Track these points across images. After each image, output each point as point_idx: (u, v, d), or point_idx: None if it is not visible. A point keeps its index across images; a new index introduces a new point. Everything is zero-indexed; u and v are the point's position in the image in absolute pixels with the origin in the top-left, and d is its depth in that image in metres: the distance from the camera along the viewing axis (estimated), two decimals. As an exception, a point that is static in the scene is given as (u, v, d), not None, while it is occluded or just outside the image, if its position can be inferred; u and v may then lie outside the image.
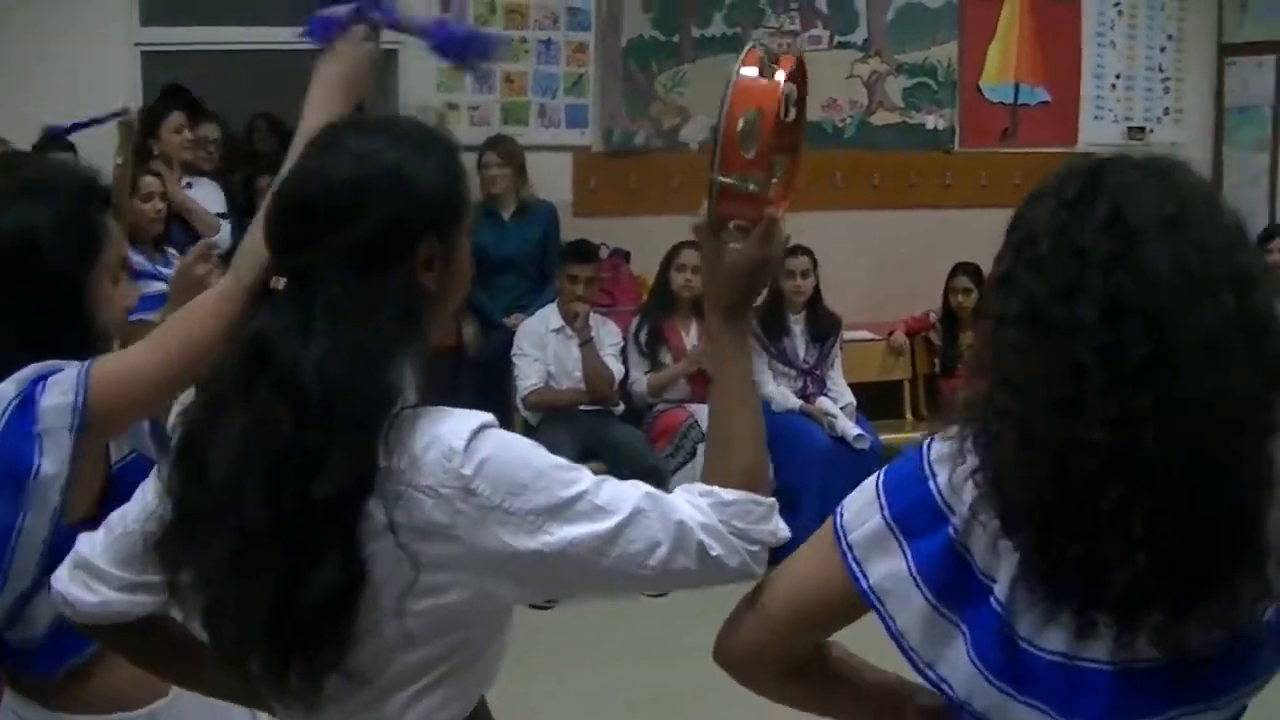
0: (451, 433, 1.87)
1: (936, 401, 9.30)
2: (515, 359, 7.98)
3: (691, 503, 1.96)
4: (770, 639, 2.05)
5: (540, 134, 8.95)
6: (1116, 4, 10.65)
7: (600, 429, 7.80)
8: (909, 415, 9.47)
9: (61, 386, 2.43)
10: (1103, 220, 1.77)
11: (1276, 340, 1.79)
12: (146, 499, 2.08)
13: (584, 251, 8.06)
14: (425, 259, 1.99)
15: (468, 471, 1.85)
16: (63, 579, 2.16)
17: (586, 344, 7.87)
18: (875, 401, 8.92)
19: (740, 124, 2.02)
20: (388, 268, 1.94)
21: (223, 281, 2.50)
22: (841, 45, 9.72)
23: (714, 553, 1.93)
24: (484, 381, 8.14)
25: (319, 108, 2.54)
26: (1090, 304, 1.73)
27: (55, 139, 6.75)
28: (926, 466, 1.92)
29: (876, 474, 1.98)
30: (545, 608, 6.83)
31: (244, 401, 1.90)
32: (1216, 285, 1.73)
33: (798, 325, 8.44)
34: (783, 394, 8.20)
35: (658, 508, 1.92)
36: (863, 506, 1.95)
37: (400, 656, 1.94)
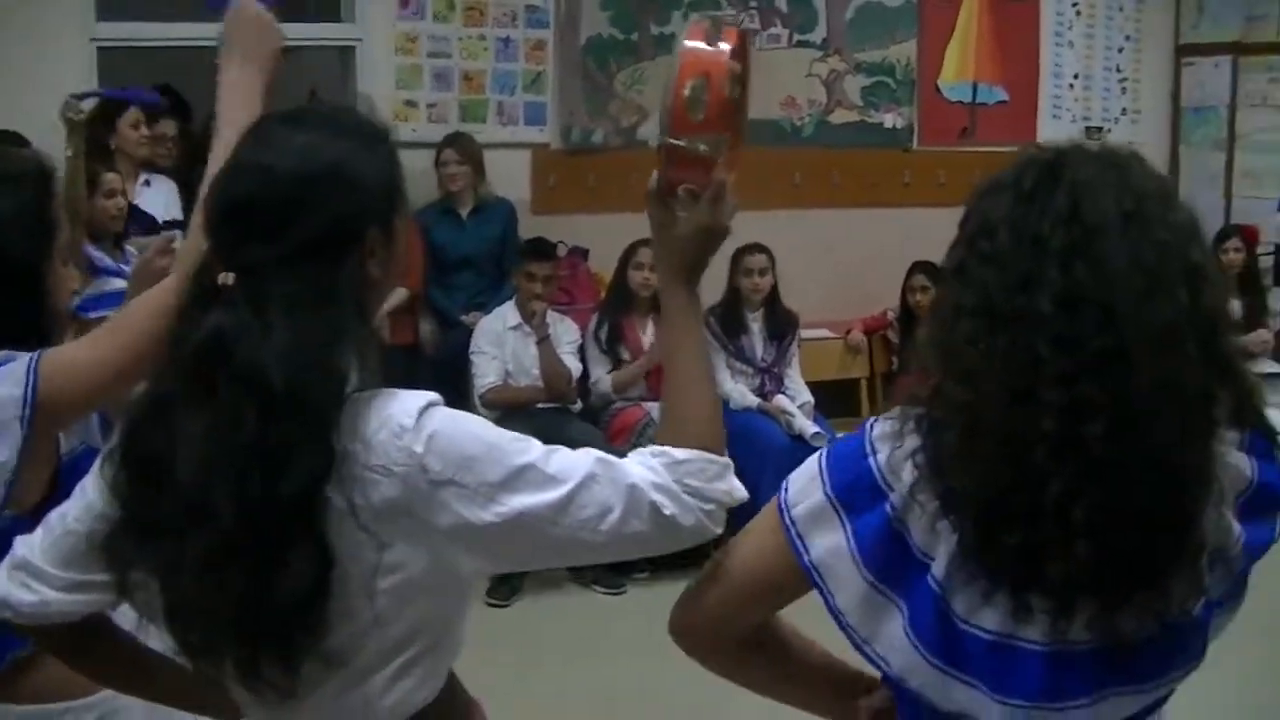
0: (401, 412, 1.91)
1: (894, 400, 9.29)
2: (473, 357, 7.95)
3: (644, 464, 1.98)
4: (722, 610, 2.09)
5: (498, 132, 8.93)
6: (1075, 4, 10.72)
7: (558, 427, 7.76)
8: (866, 413, 9.42)
9: (11, 377, 2.44)
10: (1061, 213, 1.79)
11: (1225, 337, 1.82)
12: (88, 497, 2.07)
13: (542, 249, 8.04)
14: (370, 248, 2.02)
15: (419, 449, 1.89)
16: (1, 580, 2.14)
17: (544, 341, 7.85)
18: (833, 399, 8.93)
19: (688, 89, 2.06)
20: (338, 259, 1.97)
21: (170, 278, 2.50)
22: (800, 44, 9.74)
23: (667, 512, 1.94)
24: (441, 379, 8.08)
25: (230, 93, 2.56)
26: (1048, 295, 1.76)
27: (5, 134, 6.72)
28: (868, 444, 1.94)
29: (821, 451, 2.01)
30: (503, 605, 6.84)
31: (203, 399, 1.91)
32: (1172, 281, 1.76)
33: (756, 323, 8.43)
34: (740, 392, 8.20)
35: (609, 473, 1.95)
36: (806, 482, 1.97)
37: (374, 636, 1.97)
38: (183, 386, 1.94)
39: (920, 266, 8.91)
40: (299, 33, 9.03)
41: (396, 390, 1.96)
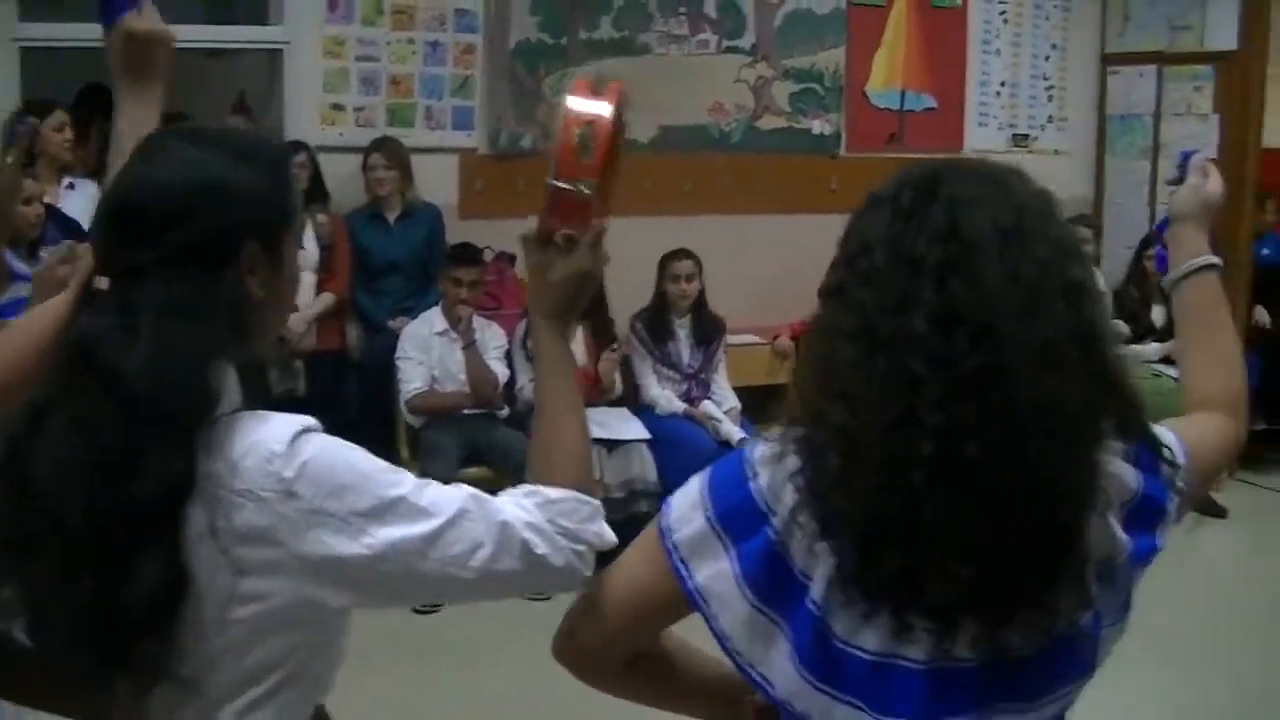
0: (272, 436, 1.87)
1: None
2: (399, 362, 7.93)
3: (517, 503, 1.98)
4: (602, 636, 2.07)
5: (426, 136, 8.89)
6: (1002, 13, 10.81)
7: (484, 432, 7.78)
8: (794, 419, 9.42)
9: None
10: (939, 231, 1.78)
11: (1106, 351, 1.82)
12: None
13: (468, 254, 8.04)
14: (249, 265, 2.00)
15: (289, 474, 1.85)
16: None
17: (470, 347, 7.86)
18: (760, 405, 8.91)
19: (577, 135, 2.10)
20: (211, 271, 1.96)
21: (69, 290, 2.48)
22: (729, 50, 9.74)
23: (539, 551, 1.94)
24: (368, 384, 8.12)
25: (124, 103, 2.56)
26: (923, 315, 1.74)
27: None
28: (749, 467, 1.92)
29: (702, 474, 1.99)
30: (431, 612, 6.81)
31: (69, 402, 1.89)
32: (1051, 298, 1.75)
33: (683, 329, 8.47)
34: (667, 397, 8.23)
35: (481, 509, 1.94)
36: (688, 508, 1.96)
37: (228, 664, 1.92)
38: (54, 391, 1.92)
39: (847, 273, 8.93)
40: (226, 35, 8.99)
41: (269, 413, 1.93)
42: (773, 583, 1.88)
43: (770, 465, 1.90)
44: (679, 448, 7.80)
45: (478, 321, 7.99)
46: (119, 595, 1.82)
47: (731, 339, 8.76)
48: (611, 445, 7.80)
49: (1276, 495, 9.50)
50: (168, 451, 1.83)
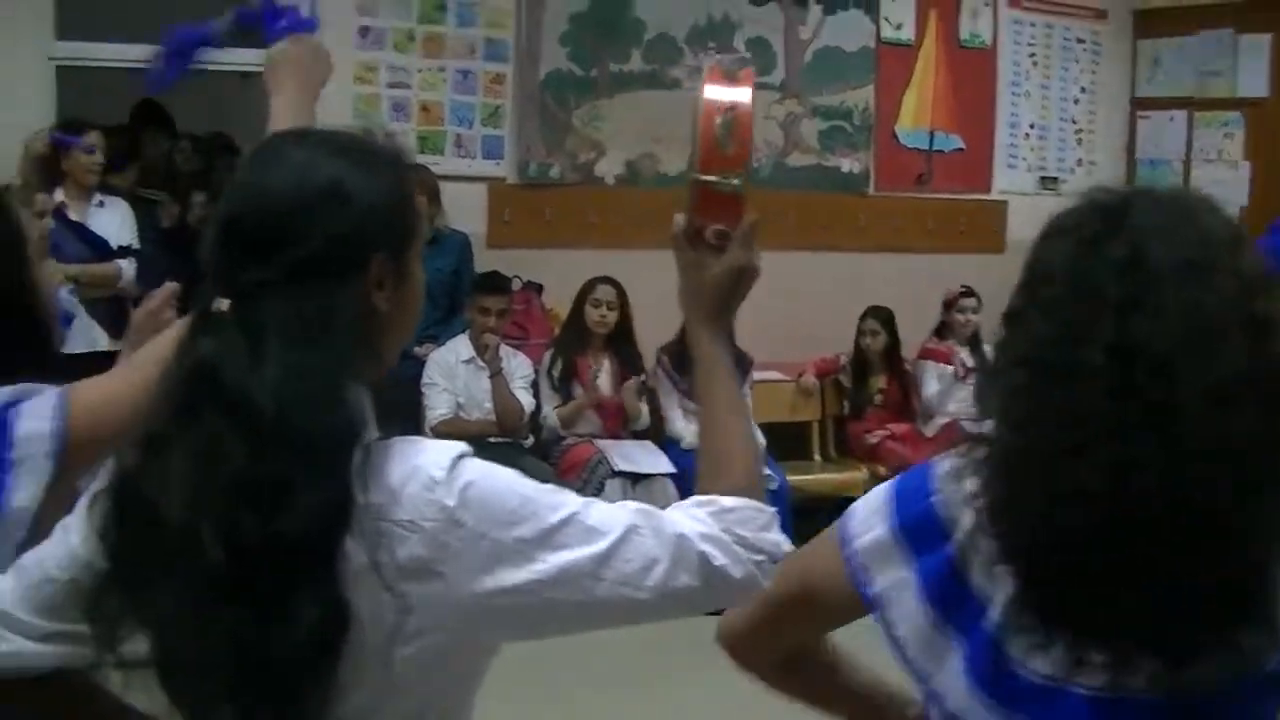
0: (431, 463, 1.76)
1: (844, 443, 9.36)
2: (425, 389, 7.94)
3: (690, 514, 1.85)
4: (766, 628, 2.10)
5: (456, 164, 8.90)
6: (1031, 55, 10.80)
7: (509, 461, 7.47)
8: (817, 456, 9.50)
9: (38, 412, 2.32)
10: (1121, 262, 1.73)
11: None
12: (70, 544, 1.91)
13: (496, 283, 8.05)
14: (377, 278, 1.86)
15: (451, 502, 1.74)
16: None
17: (497, 375, 7.85)
18: (783, 442, 8.91)
19: (718, 123, 2.00)
20: (337, 286, 1.82)
21: (180, 323, 2.40)
22: (759, 86, 9.64)
23: (717, 563, 1.81)
24: (393, 411, 8.07)
25: (280, 115, 2.56)
26: (1101, 347, 1.69)
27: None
28: (933, 482, 1.91)
29: (889, 483, 1.99)
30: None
31: (191, 433, 1.75)
32: (1231, 333, 1.69)
33: (709, 363, 8.40)
34: (692, 432, 8.18)
35: (652, 523, 1.81)
36: (870, 514, 1.95)
37: (388, 706, 1.80)
38: (173, 420, 1.78)
39: (873, 310, 8.95)
40: (257, 59, 8.96)
41: (421, 439, 1.84)
42: (950, 601, 1.86)
43: (952, 482, 1.88)
44: (701, 483, 7.77)
45: (504, 350, 7.98)
46: (272, 637, 1.71)
47: (757, 375, 8.74)
48: (636, 478, 7.79)
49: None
50: (317, 482, 1.71)
